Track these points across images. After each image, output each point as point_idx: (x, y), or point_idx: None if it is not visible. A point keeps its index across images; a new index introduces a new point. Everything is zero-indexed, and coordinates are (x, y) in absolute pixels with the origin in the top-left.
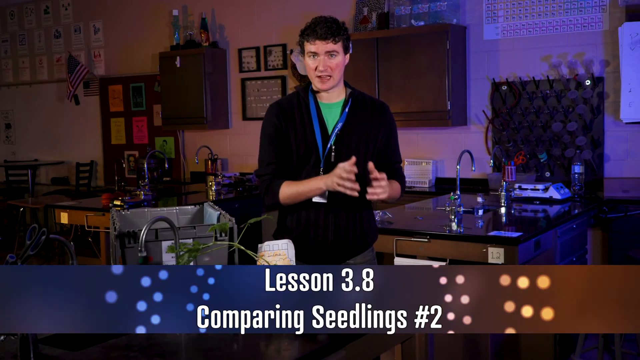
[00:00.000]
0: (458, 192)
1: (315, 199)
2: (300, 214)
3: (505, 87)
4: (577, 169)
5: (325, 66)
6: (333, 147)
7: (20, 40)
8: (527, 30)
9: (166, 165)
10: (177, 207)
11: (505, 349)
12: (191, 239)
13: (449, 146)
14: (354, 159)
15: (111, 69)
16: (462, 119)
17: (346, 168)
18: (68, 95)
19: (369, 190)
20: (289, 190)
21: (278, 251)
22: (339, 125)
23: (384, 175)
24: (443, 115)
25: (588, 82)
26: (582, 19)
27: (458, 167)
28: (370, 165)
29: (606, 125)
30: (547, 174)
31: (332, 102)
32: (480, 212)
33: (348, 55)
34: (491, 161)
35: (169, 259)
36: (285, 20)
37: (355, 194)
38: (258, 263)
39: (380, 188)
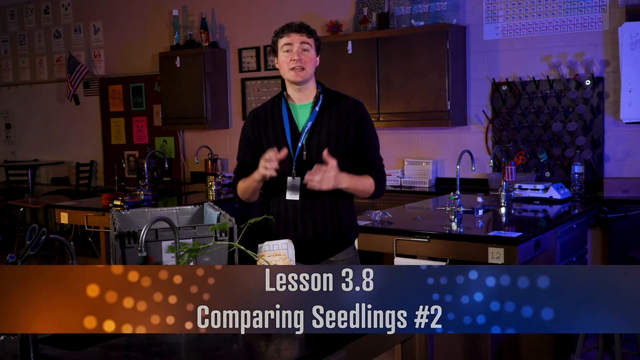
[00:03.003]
0: (458, 192)
1: (288, 197)
2: (280, 213)
3: (505, 87)
4: (577, 169)
5: (299, 56)
6: (304, 146)
7: (20, 40)
8: (527, 30)
9: (166, 165)
10: (177, 207)
11: (505, 349)
12: (191, 239)
13: (449, 146)
14: (284, 150)
15: (111, 69)
16: (462, 119)
17: (270, 154)
18: (68, 95)
19: (306, 175)
20: (240, 187)
21: (278, 251)
22: (309, 124)
23: (332, 164)
24: (443, 115)
25: (588, 82)
26: (582, 19)
27: (458, 167)
28: (325, 152)
29: (606, 125)
30: (547, 174)
31: (303, 103)
32: (480, 212)
33: (318, 58)
34: (491, 161)
35: (169, 259)
36: (285, 20)
37: (274, 173)
38: (258, 263)
39: (319, 175)
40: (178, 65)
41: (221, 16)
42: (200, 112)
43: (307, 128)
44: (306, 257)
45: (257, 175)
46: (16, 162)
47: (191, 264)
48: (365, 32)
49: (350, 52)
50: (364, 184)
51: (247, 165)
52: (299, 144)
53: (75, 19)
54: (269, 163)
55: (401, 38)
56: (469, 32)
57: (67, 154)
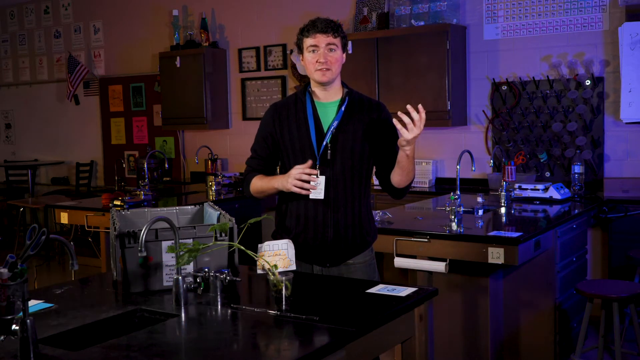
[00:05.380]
0: (458, 192)
1: (312, 196)
2: (299, 212)
3: (505, 87)
4: (577, 169)
5: (325, 58)
6: (329, 145)
7: (20, 40)
8: (527, 30)
9: (166, 165)
10: (177, 207)
11: (505, 349)
12: (191, 239)
13: (449, 146)
14: (310, 162)
15: (111, 69)
16: (462, 119)
17: (300, 169)
18: (68, 95)
19: (403, 117)
20: (255, 184)
21: (278, 251)
22: (335, 123)
23: (423, 116)
24: (443, 115)
25: (588, 82)
26: (582, 19)
27: (458, 167)
28: (420, 107)
29: (606, 125)
30: (547, 174)
31: (328, 101)
32: (480, 212)
33: (345, 55)
34: (491, 161)
35: (169, 259)
36: (285, 20)
37: (309, 192)
38: (258, 263)
39: (419, 123)
40: (178, 65)
41: (221, 16)
42: (200, 112)
43: (332, 127)
44: (324, 259)
45: (278, 186)
46: (16, 162)
47: (191, 264)
48: (365, 32)
49: (350, 52)
50: (413, 171)
51: (262, 159)
52: (324, 143)
53: (75, 19)
54: (303, 184)
55: (401, 38)
56: (469, 32)
57: (67, 154)
